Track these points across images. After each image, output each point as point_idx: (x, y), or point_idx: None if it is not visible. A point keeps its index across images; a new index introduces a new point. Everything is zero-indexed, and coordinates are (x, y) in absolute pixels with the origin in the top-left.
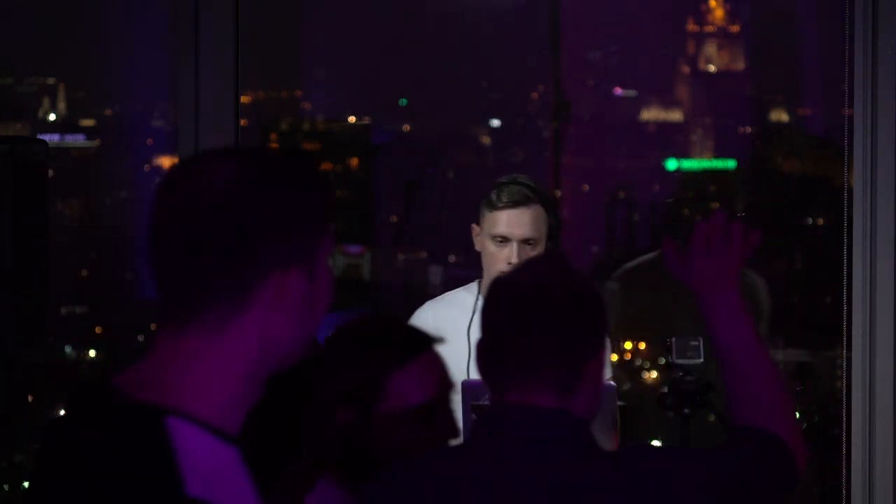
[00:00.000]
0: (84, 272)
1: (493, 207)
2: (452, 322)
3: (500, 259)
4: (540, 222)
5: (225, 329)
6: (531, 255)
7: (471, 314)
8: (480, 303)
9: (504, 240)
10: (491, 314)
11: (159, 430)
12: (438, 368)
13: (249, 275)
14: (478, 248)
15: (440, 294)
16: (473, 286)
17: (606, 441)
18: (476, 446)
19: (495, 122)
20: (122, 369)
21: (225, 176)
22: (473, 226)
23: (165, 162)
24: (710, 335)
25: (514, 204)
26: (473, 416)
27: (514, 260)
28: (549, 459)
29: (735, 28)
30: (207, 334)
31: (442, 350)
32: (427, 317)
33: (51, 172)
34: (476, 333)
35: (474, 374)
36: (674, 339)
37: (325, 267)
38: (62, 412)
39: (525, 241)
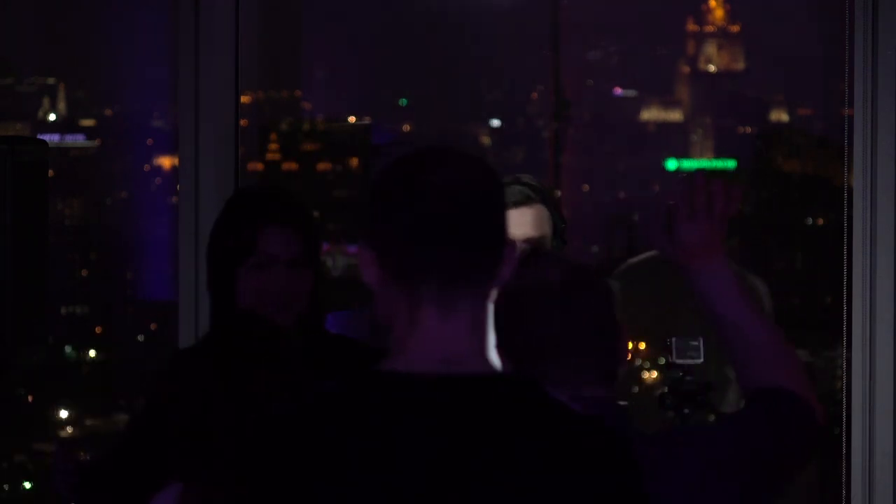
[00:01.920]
0: (84, 272)
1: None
2: None
3: None
4: (542, 222)
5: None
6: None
7: None
8: None
9: None
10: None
11: None
12: None
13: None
14: None
15: None
16: None
17: None
18: None
19: (495, 122)
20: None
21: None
22: None
23: (165, 162)
24: (706, 308)
25: (515, 204)
26: None
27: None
28: None
29: (735, 28)
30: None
31: None
32: None
33: (51, 172)
34: None
35: None
36: (674, 339)
37: None
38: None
39: (527, 242)
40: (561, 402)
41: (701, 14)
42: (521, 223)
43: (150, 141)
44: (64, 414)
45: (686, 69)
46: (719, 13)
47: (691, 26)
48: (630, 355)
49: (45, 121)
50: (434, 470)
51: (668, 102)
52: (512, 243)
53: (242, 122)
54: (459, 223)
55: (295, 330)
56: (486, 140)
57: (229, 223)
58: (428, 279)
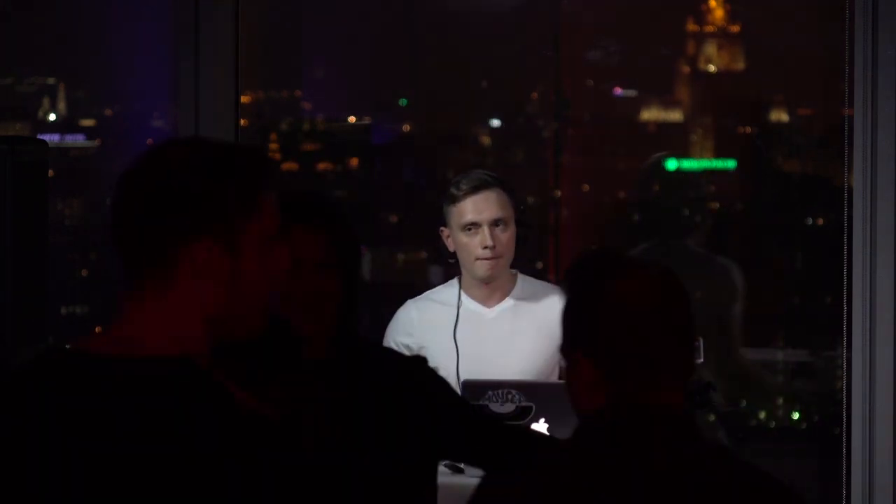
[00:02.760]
0: (84, 272)
1: (456, 199)
2: (438, 321)
3: (474, 246)
4: (504, 203)
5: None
6: (503, 238)
7: (455, 312)
8: (464, 300)
9: (474, 226)
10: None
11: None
12: None
13: (170, 243)
14: (451, 248)
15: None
16: (454, 283)
17: None
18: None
19: (495, 122)
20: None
21: (169, 163)
22: (441, 229)
23: None
24: None
25: (475, 189)
26: None
27: (489, 243)
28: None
29: (735, 28)
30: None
31: (429, 350)
32: (412, 316)
33: (51, 172)
34: (462, 333)
35: (464, 375)
36: None
37: (254, 247)
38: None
39: (494, 224)
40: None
41: (701, 14)
42: (486, 206)
43: (149, 141)
44: None
45: (686, 69)
46: (719, 13)
47: (691, 26)
48: None
49: (45, 121)
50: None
51: (668, 102)
52: None
53: (242, 122)
54: None
55: (323, 337)
56: (486, 140)
57: None
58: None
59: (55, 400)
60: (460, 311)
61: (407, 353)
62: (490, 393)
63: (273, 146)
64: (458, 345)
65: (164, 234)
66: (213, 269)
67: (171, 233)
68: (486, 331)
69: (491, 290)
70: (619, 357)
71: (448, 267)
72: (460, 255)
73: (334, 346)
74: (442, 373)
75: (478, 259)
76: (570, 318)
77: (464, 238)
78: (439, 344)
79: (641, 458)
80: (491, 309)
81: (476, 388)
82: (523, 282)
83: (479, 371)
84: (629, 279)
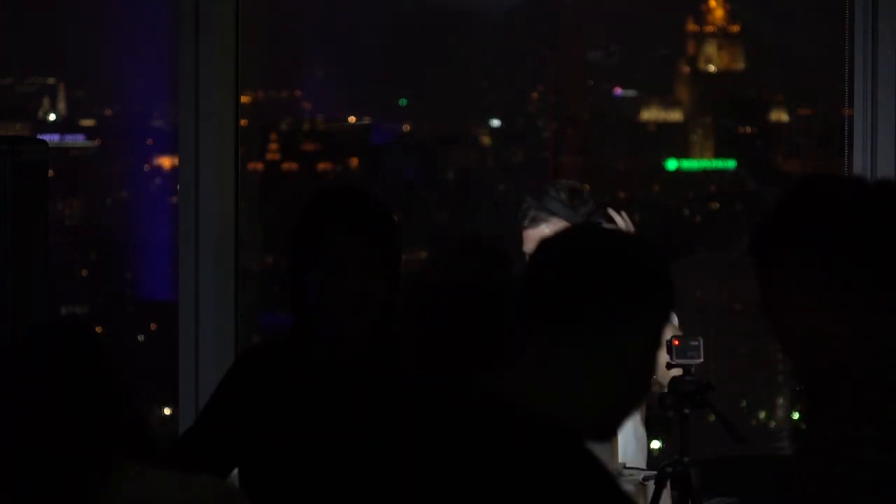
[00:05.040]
0: (84, 272)
1: (521, 226)
2: None
3: None
4: None
5: None
6: None
7: None
8: None
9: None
10: None
11: None
12: None
13: None
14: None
15: None
16: None
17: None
18: None
19: (495, 122)
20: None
21: None
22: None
23: (165, 162)
24: None
25: (533, 223)
26: None
27: None
28: None
29: (735, 28)
30: None
31: None
32: None
33: (51, 172)
34: None
35: None
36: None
37: None
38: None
39: None
40: None
41: (701, 14)
42: (537, 240)
43: (150, 141)
44: None
45: (686, 69)
46: (719, 13)
47: (691, 26)
48: None
49: (45, 121)
50: None
51: (668, 102)
52: None
53: (242, 122)
54: None
55: (365, 338)
56: (486, 140)
57: (302, 223)
58: None
59: None
60: None
61: None
62: None
63: (273, 146)
64: None
65: None
66: None
67: None
68: None
69: None
70: None
71: None
72: None
73: (376, 347)
74: None
75: None
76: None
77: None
78: None
79: None
80: None
81: None
82: None
83: None
84: None
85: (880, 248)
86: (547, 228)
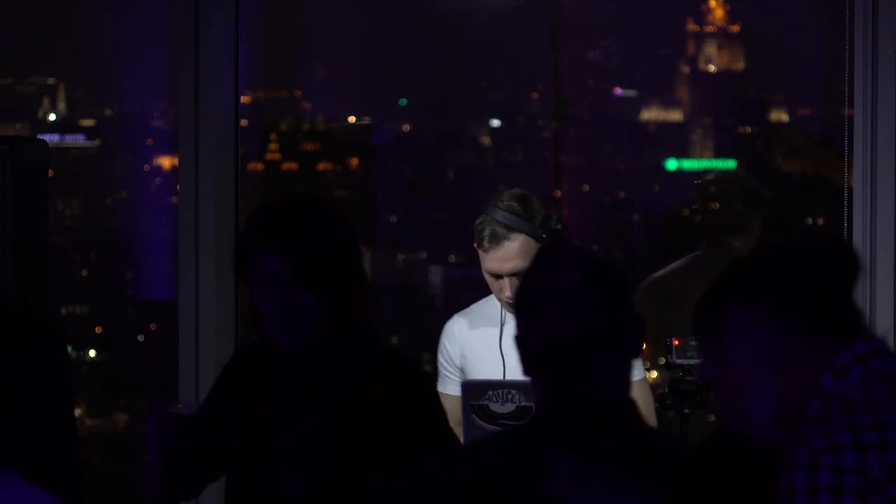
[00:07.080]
0: (84, 272)
1: (479, 246)
2: (482, 337)
3: (497, 289)
4: (524, 248)
5: None
6: None
7: (499, 327)
8: (507, 315)
9: (496, 275)
10: None
11: None
12: None
13: None
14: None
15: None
16: (493, 297)
17: None
18: None
19: (495, 122)
20: None
21: None
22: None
23: (165, 162)
24: None
25: (495, 242)
26: (473, 416)
27: (508, 294)
28: None
29: (735, 28)
30: None
31: (477, 365)
32: (454, 330)
33: (51, 172)
34: (507, 345)
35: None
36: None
37: None
38: None
39: (515, 275)
40: None
41: (701, 14)
42: (505, 258)
43: (150, 141)
44: None
45: (686, 69)
46: (719, 13)
47: (691, 26)
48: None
49: (45, 121)
50: None
51: (668, 102)
52: None
53: (242, 122)
54: None
55: (319, 343)
56: (486, 140)
57: (236, 242)
58: None
59: None
60: (505, 324)
61: (458, 361)
62: (490, 393)
63: (273, 146)
64: (504, 356)
65: None
66: None
67: None
68: None
69: None
70: None
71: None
72: (490, 285)
73: (320, 360)
74: None
75: (501, 300)
76: None
77: (488, 277)
78: (486, 359)
79: None
80: None
81: (476, 388)
82: None
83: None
84: None
85: (812, 306)
86: (510, 245)
